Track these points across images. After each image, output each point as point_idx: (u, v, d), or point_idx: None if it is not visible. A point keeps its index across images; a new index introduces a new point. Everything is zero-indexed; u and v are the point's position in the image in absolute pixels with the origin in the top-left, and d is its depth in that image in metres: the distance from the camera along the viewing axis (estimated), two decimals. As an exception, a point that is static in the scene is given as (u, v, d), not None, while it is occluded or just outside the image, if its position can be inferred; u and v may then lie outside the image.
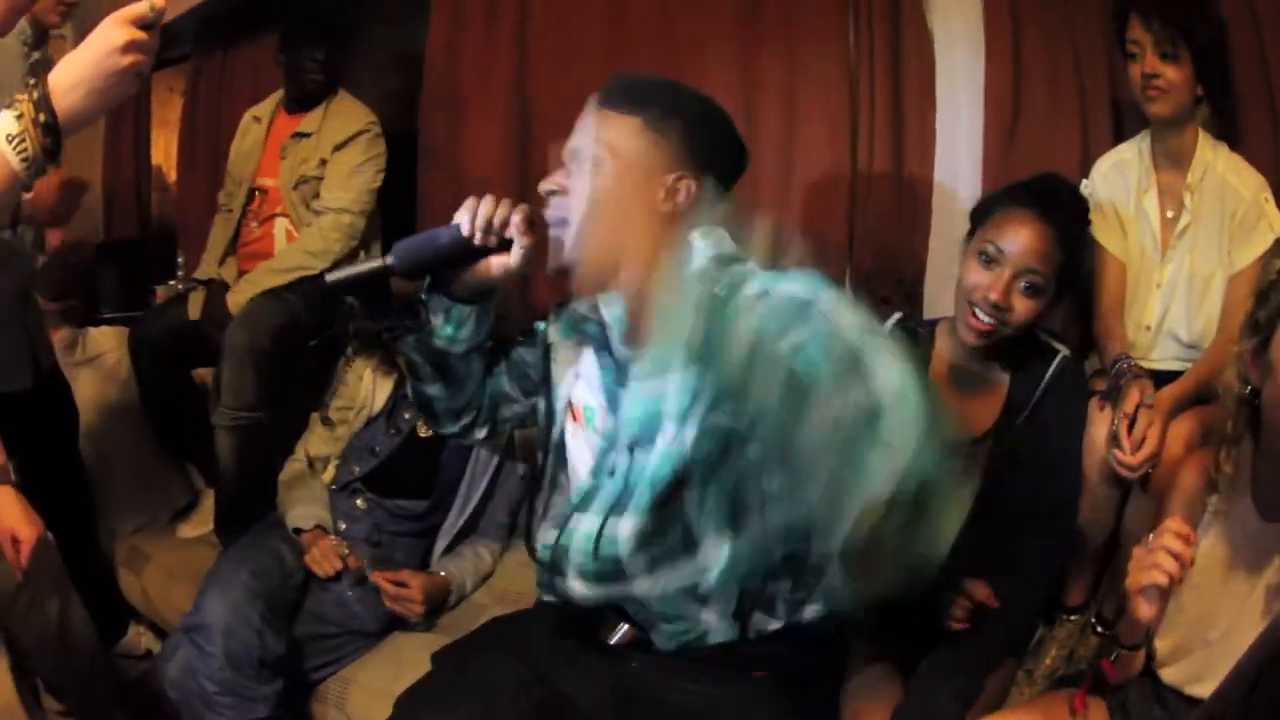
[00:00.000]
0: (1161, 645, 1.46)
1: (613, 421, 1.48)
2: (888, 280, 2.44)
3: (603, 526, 1.43)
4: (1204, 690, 1.38)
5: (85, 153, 3.94)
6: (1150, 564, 1.28)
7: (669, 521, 1.42)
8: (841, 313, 1.10)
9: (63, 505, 2.33)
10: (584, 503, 1.49)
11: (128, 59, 1.37)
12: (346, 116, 2.92)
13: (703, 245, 1.42)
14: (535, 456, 2.41)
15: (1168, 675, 1.46)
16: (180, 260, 3.73)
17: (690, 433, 1.37)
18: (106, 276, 3.62)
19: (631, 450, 1.43)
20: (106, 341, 3.11)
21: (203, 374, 3.05)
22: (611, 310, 1.46)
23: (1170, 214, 2.02)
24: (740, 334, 1.03)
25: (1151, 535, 1.31)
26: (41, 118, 1.37)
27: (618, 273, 1.45)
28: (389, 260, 1.44)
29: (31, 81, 1.39)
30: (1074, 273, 1.85)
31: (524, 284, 2.82)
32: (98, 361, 3.04)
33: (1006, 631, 1.74)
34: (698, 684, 1.46)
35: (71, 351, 2.98)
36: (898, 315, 1.95)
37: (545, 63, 2.88)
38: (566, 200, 1.45)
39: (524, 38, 2.91)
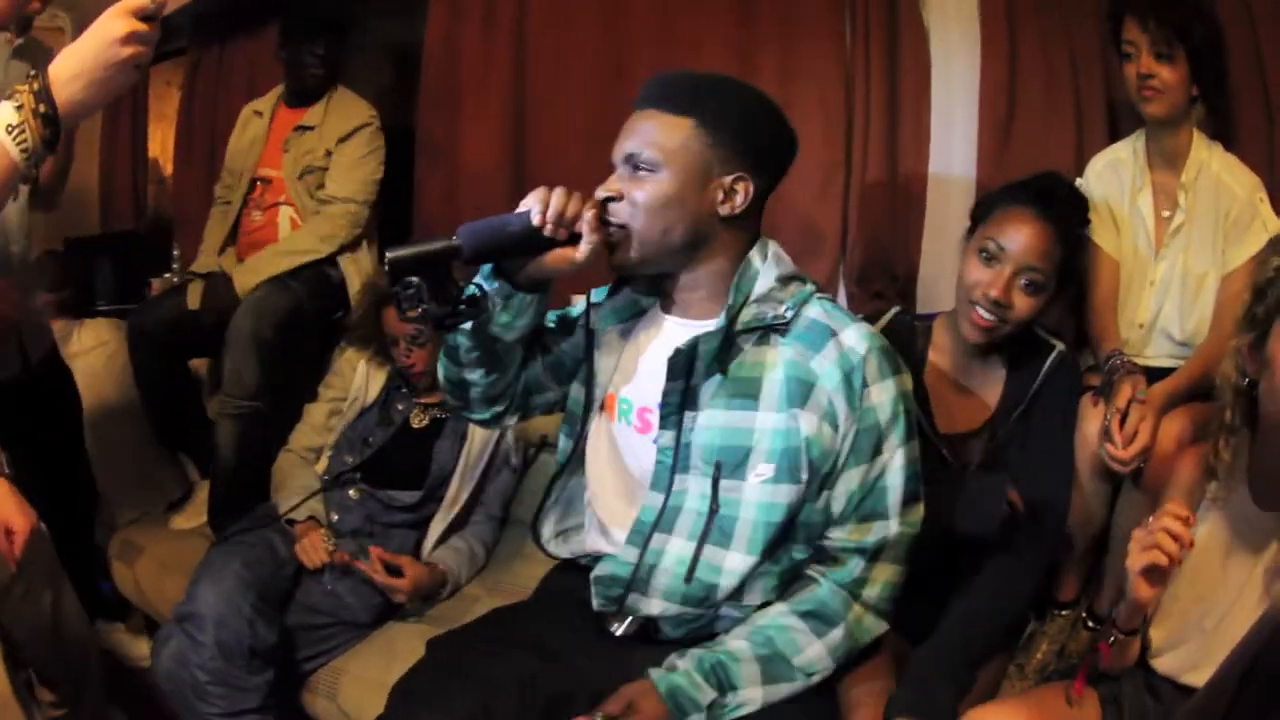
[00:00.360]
0: (1156, 634, 1.46)
1: (670, 436, 1.48)
2: (882, 276, 2.44)
3: (698, 553, 1.46)
4: (1198, 679, 1.38)
5: (83, 146, 3.93)
6: (1150, 544, 1.28)
7: (774, 559, 1.49)
8: None
9: (60, 497, 2.33)
10: (665, 523, 1.49)
11: (128, 50, 1.38)
12: (348, 110, 2.96)
13: (764, 267, 1.48)
14: (532, 442, 2.44)
15: (1162, 664, 1.46)
16: (176, 253, 3.72)
17: (800, 478, 1.43)
18: (102, 269, 3.62)
19: (716, 478, 1.45)
20: (102, 334, 3.10)
21: (198, 365, 3.06)
22: (707, 346, 1.45)
23: (1165, 213, 2.02)
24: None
25: (1151, 518, 1.32)
26: (41, 108, 1.38)
27: (681, 275, 1.51)
28: (455, 241, 1.38)
29: (32, 73, 1.40)
30: (1073, 270, 1.87)
31: None
32: (93, 354, 3.04)
33: (998, 624, 1.74)
34: None
35: (67, 344, 2.97)
36: (895, 309, 1.95)
37: (543, 59, 2.89)
38: (625, 206, 1.44)
39: (522, 34, 2.92)
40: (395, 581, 2.16)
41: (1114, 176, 2.05)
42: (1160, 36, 1.89)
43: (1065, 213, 1.79)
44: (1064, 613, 2.05)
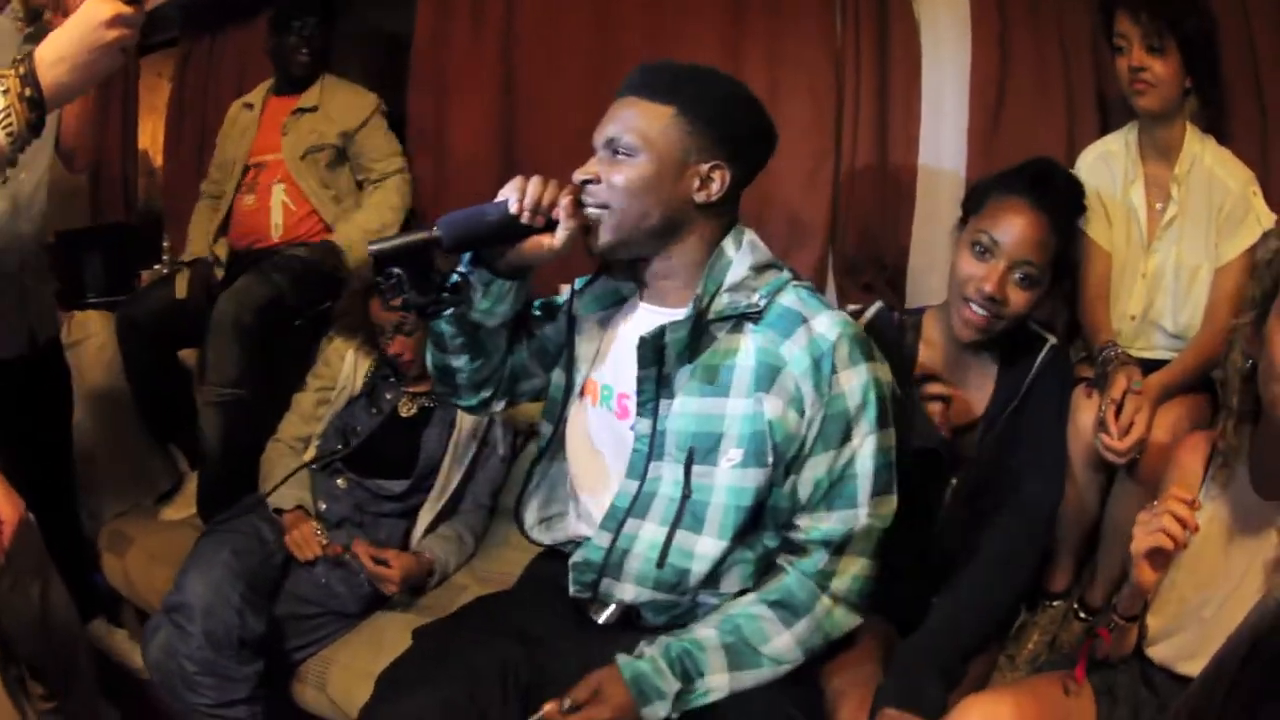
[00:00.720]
0: (1153, 622, 1.46)
1: (646, 423, 1.50)
2: (871, 267, 2.44)
3: (670, 538, 1.47)
4: (1195, 668, 1.36)
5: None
6: (1155, 528, 1.28)
7: (745, 544, 1.50)
8: None
9: (48, 486, 2.31)
10: (639, 509, 1.50)
11: (113, 33, 1.40)
12: (352, 98, 3.02)
13: (738, 256, 1.50)
14: (520, 430, 2.44)
15: (1158, 652, 1.46)
16: (166, 245, 3.72)
17: (765, 462, 1.45)
18: (92, 261, 3.60)
19: (689, 464, 1.46)
20: (92, 326, 3.09)
21: (188, 356, 3.04)
22: (676, 335, 1.46)
23: (1157, 205, 2.02)
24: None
25: (1156, 501, 1.32)
26: (27, 92, 1.40)
27: (655, 262, 1.52)
28: (435, 232, 1.42)
29: (18, 57, 1.40)
30: (1068, 262, 1.86)
31: None
32: (83, 346, 3.02)
33: (989, 615, 1.74)
34: None
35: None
36: (878, 305, 1.92)
37: (532, 48, 2.89)
38: (602, 189, 1.46)
39: (511, 23, 2.91)
40: (384, 572, 2.16)
41: (1106, 168, 2.05)
42: (1152, 29, 1.88)
43: (1060, 201, 1.77)
44: (1055, 604, 2.05)
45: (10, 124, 1.41)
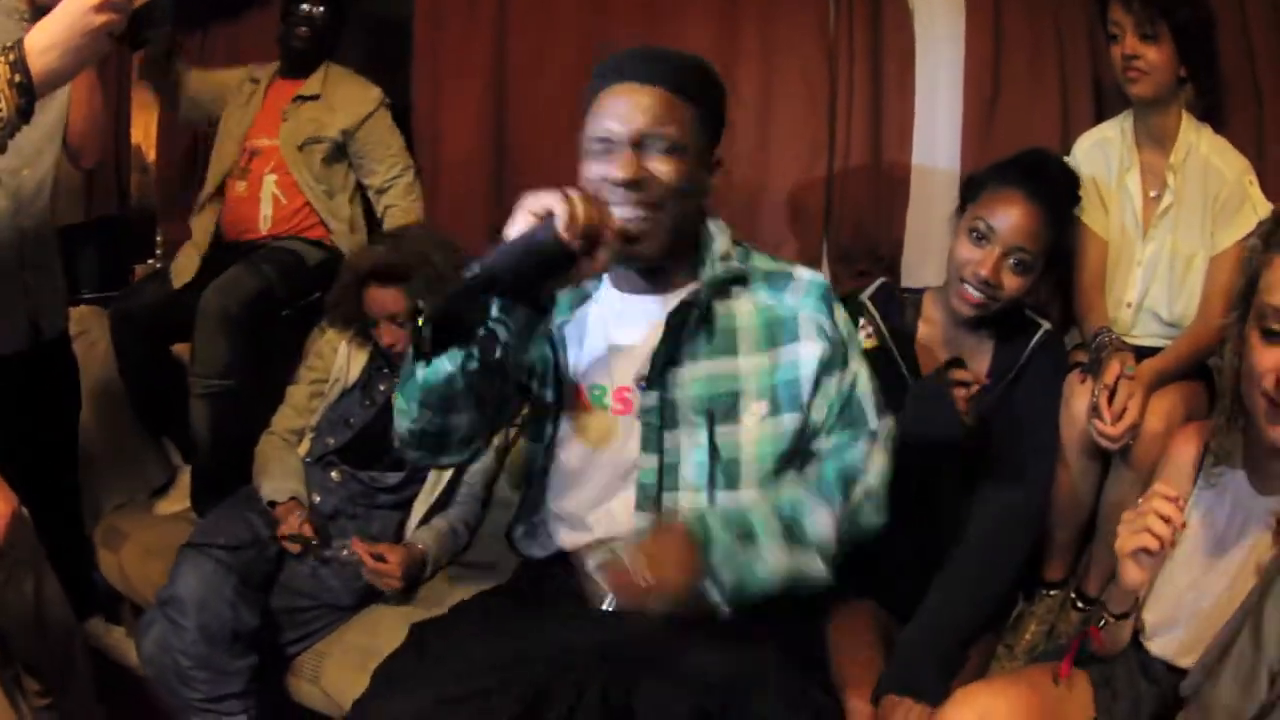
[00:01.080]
0: (1150, 617, 1.46)
1: (653, 396, 1.48)
2: (865, 254, 2.44)
3: (711, 500, 1.48)
4: (1193, 662, 1.39)
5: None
6: (1140, 528, 1.28)
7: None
8: None
9: (49, 483, 2.30)
10: (669, 482, 1.49)
11: (100, 18, 1.43)
12: (356, 92, 2.97)
13: (717, 231, 1.54)
14: (512, 425, 2.42)
15: (1155, 647, 1.46)
16: (159, 239, 3.70)
17: (800, 405, 1.49)
18: (85, 257, 3.58)
19: (710, 425, 1.47)
20: (85, 321, 3.07)
21: (182, 349, 3.03)
22: (699, 305, 1.48)
23: (1153, 193, 2.02)
24: None
25: (1141, 500, 1.31)
26: (16, 78, 1.42)
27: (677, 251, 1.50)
28: (489, 270, 1.24)
29: (9, 45, 1.41)
30: (1062, 249, 1.92)
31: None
32: (76, 341, 3.00)
33: (985, 602, 1.75)
34: (691, 646, 1.42)
35: (49, 331, 2.96)
36: (880, 281, 1.98)
37: (524, 36, 2.88)
38: (653, 189, 1.40)
39: (503, 15, 2.91)
40: (384, 568, 2.14)
41: (1101, 156, 2.06)
42: (1145, 17, 1.89)
43: (1055, 192, 1.83)
44: (1052, 593, 2.05)
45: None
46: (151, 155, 3.90)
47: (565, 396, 1.57)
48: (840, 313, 1.54)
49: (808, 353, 1.49)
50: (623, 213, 1.37)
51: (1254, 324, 1.33)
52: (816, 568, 1.43)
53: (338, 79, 2.99)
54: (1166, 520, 1.26)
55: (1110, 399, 1.82)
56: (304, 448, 2.43)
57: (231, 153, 2.97)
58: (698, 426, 1.48)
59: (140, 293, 2.96)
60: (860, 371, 1.54)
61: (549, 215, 1.26)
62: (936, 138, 2.37)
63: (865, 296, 1.92)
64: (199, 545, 2.10)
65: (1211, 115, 2.03)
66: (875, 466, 1.52)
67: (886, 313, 1.90)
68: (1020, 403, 1.84)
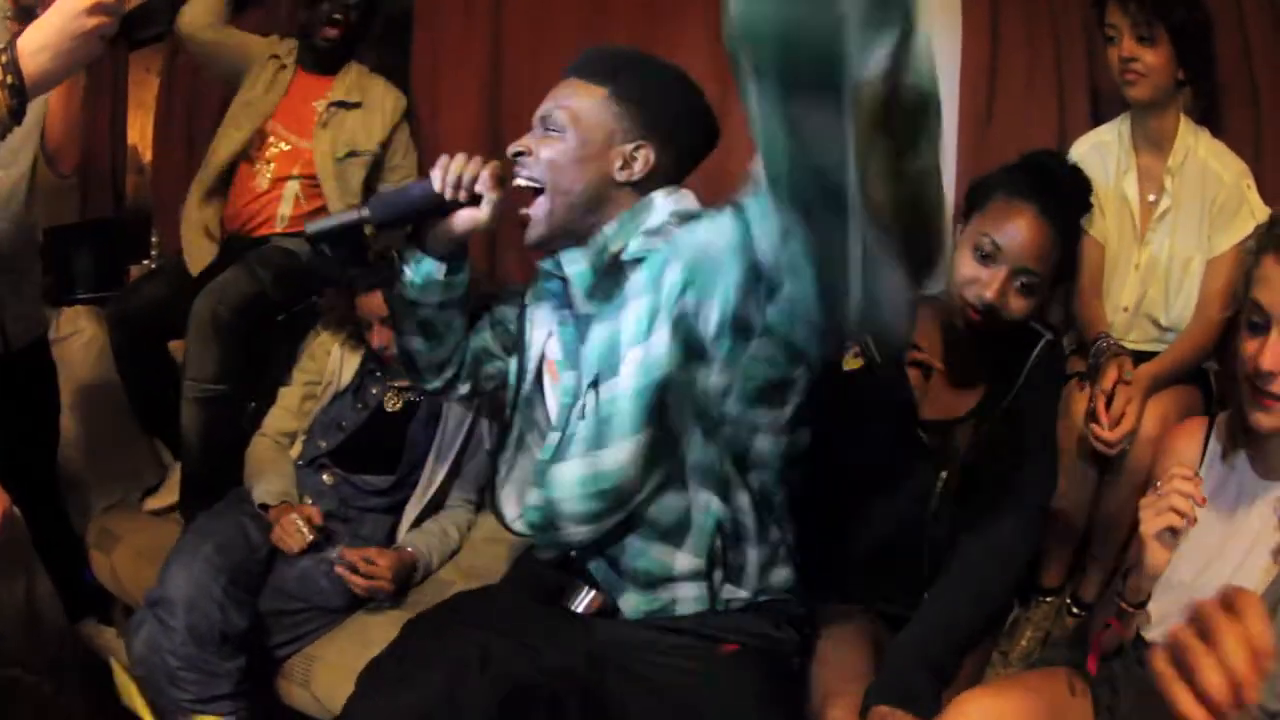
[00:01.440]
0: (1154, 608, 1.45)
1: (573, 375, 1.52)
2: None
3: (590, 464, 1.46)
4: None
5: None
6: (1164, 507, 1.30)
7: (659, 435, 1.44)
8: None
9: (31, 485, 2.29)
10: (559, 453, 1.50)
11: (93, 21, 1.45)
12: (387, 96, 2.94)
13: (664, 202, 1.52)
14: (502, 418, 2.43)
15: (1158, 636, 1.44)
16: (155, 240, 3.71)
17: (659, 343, 1.39)
18: (81, 257, 3.58)
19: (595, 386, 1.46)
20: (80, 321, 3.08)
21: (178, 349, 3.03)
22: (575, 267, 1.51)
23: (1150, 197, 2.02)
24: None
25: (1159, 482, 1.32)
26: (9, 80, 1.45)
27: (580, 233, 1.52)
28: (364, 211, 1.53)
29: (1, 46, 1.42)
30: (1071, 264, 1.78)
31: (492, 255, 2.86)
32: (70, 341, 3.01)
33: (981, 609, 1.71)
34: (667, 656, 1.47)
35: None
36: None
37: (520, 35, 2.88)
38: (531, 161, 1.51)
39: (500, 12, 2.91)
40: (374, 570, 2.13)
41: (1098, 159, 2.04)
42: (1141, 19, 1.88)
43: (1066, 204, 1.69)
44: (1048, 599, 2.05)
45: None
46: (148, 156, 3.91)
47: (529, 370, 1.67)
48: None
49: (671, 276, 1.39)
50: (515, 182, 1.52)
51: (1244, 316, 1.37)
52: None
53: (368, 83, 2.93)
54: (1188, 497, 1.29)
55: (1107, 404, 1.81)
56: (296, 450, 2.43)
57: (245, 133, 2.88)
58: (588, 392, 1.48)
59: (138, 292, 2.94)
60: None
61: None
62: (932, 142, 2.36)
63: None
64: (189, 546, 2.09)
65: (1209, 119, 2.02)
66: None
67: None
68: (1022, 414, 1.74)
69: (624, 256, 1.49)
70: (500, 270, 2.82)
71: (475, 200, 1.53)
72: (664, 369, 1.39)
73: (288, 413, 2.49)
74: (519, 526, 1.70)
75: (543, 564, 1.65)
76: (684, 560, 1.50)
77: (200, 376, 2.58)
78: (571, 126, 1.49)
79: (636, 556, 1.51)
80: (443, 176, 1.52)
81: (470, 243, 1.64)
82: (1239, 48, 2.02)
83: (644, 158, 1.51)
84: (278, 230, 2.88)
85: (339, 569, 2.14)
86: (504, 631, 1.50)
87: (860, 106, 0.78)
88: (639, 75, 1.54)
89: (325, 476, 2.33)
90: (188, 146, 3.59)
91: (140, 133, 3.98)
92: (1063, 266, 1.69)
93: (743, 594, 1.54)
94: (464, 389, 1.79)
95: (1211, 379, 2.01)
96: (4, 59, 1.45)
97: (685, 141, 1.56)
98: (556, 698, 1.37)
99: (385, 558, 2.15)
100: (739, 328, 1.33)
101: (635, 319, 1.43)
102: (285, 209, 2.88)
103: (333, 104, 2.87)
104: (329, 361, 2.46)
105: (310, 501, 2.29)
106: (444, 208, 1.54)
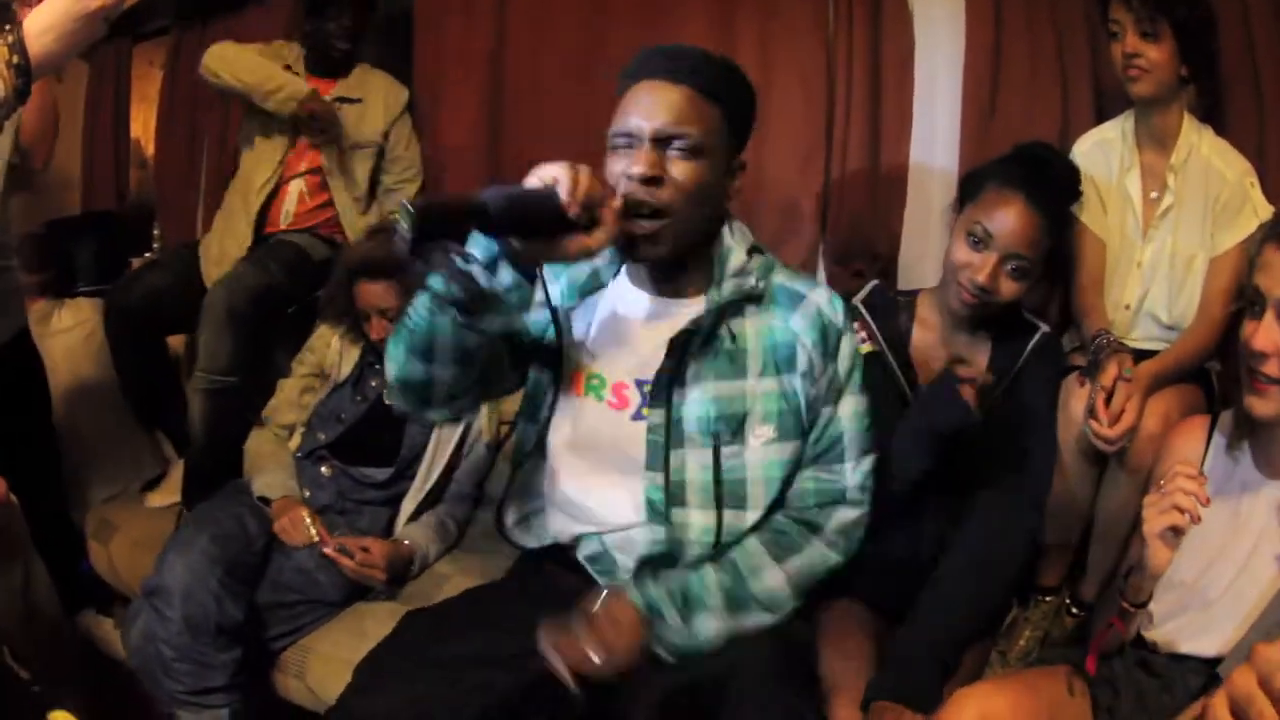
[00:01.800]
0: (1156, 607, 1.46)
1: (660, 414, 1.50)
2: (862, 255, 2.43)
3: (720, 519, 1.51)
4: (1199, 646, 1.41)
5: (66, 127, 3.90)
6: (1167, 506, 1.29)
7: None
8: None
9: (27, 477, 2.29)
10: (675, 498, 1.50)
11: (96, 2, 1.46)
12: (389, 91, 2.99)
13: (734, 242, 1.54)
14: (504, 418, 2.42)
15: (1160, 635, 1.46)
16: (156, 233, 3.71)
17: (798, 434, 1.53)
18: (83, 250, 3.59)
19: (717, 446, 1.49)
20: (82, 314, 3.10)
21: (175, 343, 3.03)
22: (704, 327, 1.49)
23: (1153, 194, 2.01)
24: None
25: (1162, 481, 1.32)
26: (15, 60, 1.47)
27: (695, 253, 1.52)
28: (483, 200, 1.26)
29: (7, 26, 1.46)
30: (1063, 251, 1.91)
31: None
32: (72, 333, 3.03)
33: (982, 606, 1.71)
34: None
35: (47, 323, 2.98)
36: (873, 283, 1.95)
37: (521, 32, 2.87)
38: (666, 189, 1.41)
39: (502, 12, 2.90)
40: (366, 558, 2.13)
41: (1101, 156, 2.04)
42: (1144, 15, 1.88)
43: (1056, 193, 1.80)
44: (1047, 599, 2.04)
45: None
46: (150, 150, 3.92)
47: (563, 380, 1.58)
48: (845, 344, 1.57)
49: (801, 385, 1.52)
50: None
51: (1245, 302, 1.38)
52: (763, 622, 1.47)
53: (370, 79, 3.00)
54: (1192, 495, 1.28)
55: (1108, 401, 1.81)
56: (295, 442, 2.43)
57: (278, 153, 2.90)
58: (704, 446, 1.50)
59: (134, 285, 2.95)
60: (850, 407, 1.57)
61: (555, 182, 1.30)
62: (935, 137, 2.36)
63: (858, 300, 1.89)
64: (186, 536, 2.08)
65: (1213, 117, 2.01)
66: (843, 518, 1.56)
67: (880, 316, 1.87)
68: (1019, 407, 1.80)
69: (724, 303, 1.50)
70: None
71: (590, 224, 1.34)
72: (794, 461, 1.53)
73: (287, 405, 2.48)
74: (516, 536, 1.68)
75: (553, 567, 1.63)
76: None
77: (211, 368, 2.60)
78: (706, 150, 1.43)
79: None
80: (570, 189, 1.29)
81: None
82: (1242, 44, 2.01)
83: (740, 174, 1.53)
84: (281, 226, 2.92)
85: (328, 551, 2.14)
86: (510, 630, 1.46)
87: None
88: (742, 93, 1.51)
89: (324, 468, 2.33)
90: (190, 140, 3.60)
91: (143, 126, 3.99)
92: (1054, 252, 1.80)
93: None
94: (473, 414, 1.81)
95: (1214, 378, 2.01)
96: (10, 39, 1.47)
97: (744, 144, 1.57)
98: (561, 692, 1.34)
99: (380, 547, 2.15)
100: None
101: (764, 395, 1.51)
102: (290, 205, 2.93)
103: (335, 100, 2.91)
104: (328, 354, 2.45)
105: (308, 493, 2.29)
106: (562, 224, 1.31)
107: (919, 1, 2.36)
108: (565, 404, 1.59)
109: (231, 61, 2.81)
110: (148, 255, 3.61)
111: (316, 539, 2.17)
